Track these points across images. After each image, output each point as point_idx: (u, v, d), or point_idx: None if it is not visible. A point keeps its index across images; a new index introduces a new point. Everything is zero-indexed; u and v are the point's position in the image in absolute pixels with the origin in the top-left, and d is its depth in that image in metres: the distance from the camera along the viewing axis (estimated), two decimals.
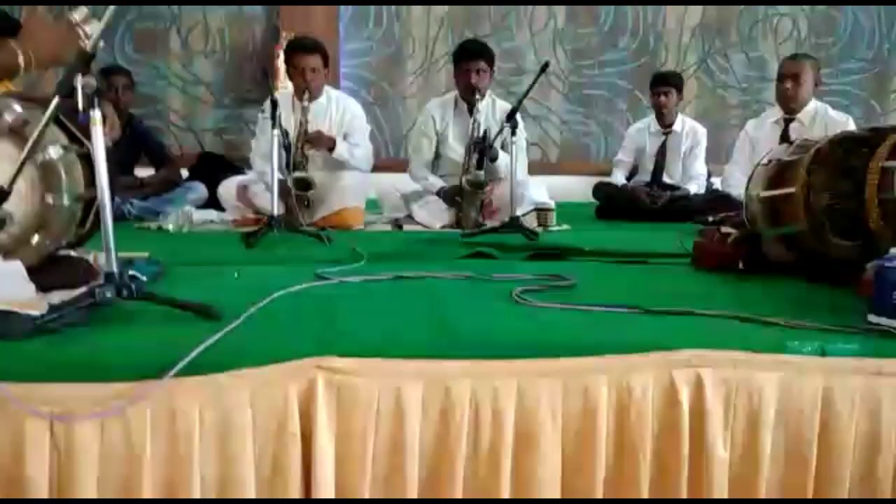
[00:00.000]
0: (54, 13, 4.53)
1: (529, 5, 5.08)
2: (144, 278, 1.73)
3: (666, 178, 4.22)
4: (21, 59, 1.49)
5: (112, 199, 1.48)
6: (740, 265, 2.10)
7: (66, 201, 1.59)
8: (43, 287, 1.62)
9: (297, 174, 3.27)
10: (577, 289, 1.93)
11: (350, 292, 1.84)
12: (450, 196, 3.49)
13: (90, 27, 1.45)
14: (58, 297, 1.59)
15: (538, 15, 5.14)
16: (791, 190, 1.98)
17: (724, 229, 2.28)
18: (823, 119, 3.42)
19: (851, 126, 3.36)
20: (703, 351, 1.38)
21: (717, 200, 3.61)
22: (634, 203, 3.99)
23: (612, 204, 4.11)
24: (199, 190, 3.88)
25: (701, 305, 1.64)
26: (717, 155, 4.87)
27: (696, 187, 4.10)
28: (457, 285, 1.96)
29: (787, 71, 3.43)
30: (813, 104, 3.46)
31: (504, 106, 3.56)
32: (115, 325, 1.43)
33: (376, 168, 3.81)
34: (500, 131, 3.23)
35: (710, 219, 2.45)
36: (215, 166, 4.34)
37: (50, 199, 1.58)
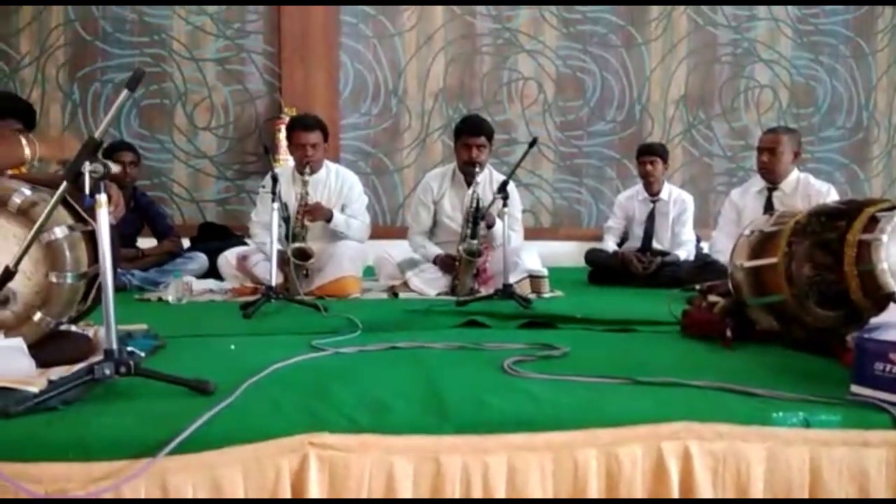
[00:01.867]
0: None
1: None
2: (143, 353, 1.76)
3: (656, 244, 4.30)
4: (27, 153, 1.57)
5: (114, 274, 1.53)
6: (728, 333, 2.13)
7: (69, 280, 1.64)
8: (43, 362, 1.65)
9: (297, 245, 3.34)
10: (569, 358, 1.96)
11: (344, 364, 1.86)
12: (446, 263, 3.56)
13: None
14: (57, 372, 1.62)
15: (528, 90, 5.34)
16: (773, 260, 2.04)
17: (711, 298, 2.33)
18: (805, 188, 3.52)
19: (833, 195, 3.46)
20: (691, 423, 1.41)
21: (705, 267, 3.67)
22: (626, 269, 4.06)
23: (604, 270, 4.17)
24: (200, 260, 3.94)
25: (689, 375, 1.67)
26: (705, 220, 4.98)
27: (685, 253, 4.18)
28: (450, 356, 1.99)
29: (763, 144, 3.54)
30: (795, 174, 3.56)
31: (500, 178, 3.67)
32: (112, 401, 1.45)
33: (373, 236, 3.89)
34: (493, 202, 3.33)
35: (698, 287, 2.49)
36: (216, 236, 4.42)
37: (53, 278, 1.63)
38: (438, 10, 5.21)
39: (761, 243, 2.18)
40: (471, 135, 3.55)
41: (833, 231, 2.01)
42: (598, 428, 1.38)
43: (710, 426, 1.41)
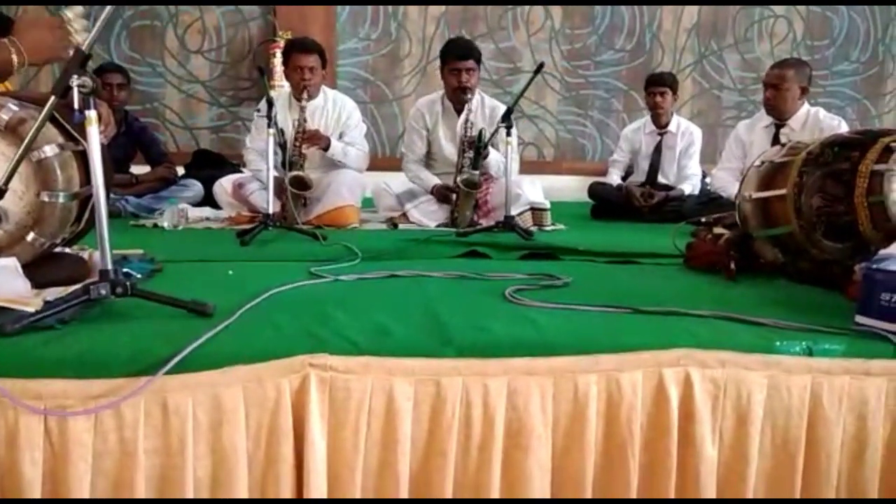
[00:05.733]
0: (50, 12, 4.54)
1: (526, 5, 5.08)
2: (139, 275, 1.74)
3: (661, 179, 4.23)
4: (14, 58, 1.49)
5: (107, 196, 1.49)
6: (732, 265, 2.11)
7: (61, 199, 1.60)
8: (38, 283, 1.62)
9: (295, 173, 3.28)
10: (570, 288, 1.94)
11: (344, 290, 1.85)
12: (443, 194, 3.50)
13: (80, 24, 1.45)
14: (53, 293, 1.60)
15: (534, 15, 5.15)
16: (782, 192, 2.00)
17: (717, 230, 2.30)
18: (815, 123, 3.43)
19: (843, 128, 3.37)
20: (693, 350, 1.40)
21: (709, 202, 3.62)
22: (629, 203, 4.01)
23: (607, 204, 4.12)
24: (195, 187, 3.88)
25: (691, 305, 1.66)
26: (712, 156, 4.90)
27: (690, 188, 4.12)
28: (450, 284, 1.97)
29: (768, 80, 3.43)
30: (805, 109, 3.45)
31: (493, 104, 3.57)
32: (109, 321, 1.44)
33: (372, 167, 3.82)
34: (496, 131, 3.24)
35: (703, 219, 2.46)
36: (211, 164, 4.35)
37: (45, 197, 1.59)
38: None
39: (771, 174, 2.13)
40: (458, 58, 3.41)
41: (846, 161, 1.96)
42: (599, 354, 1.38)
43: (711, 353, 1.40)
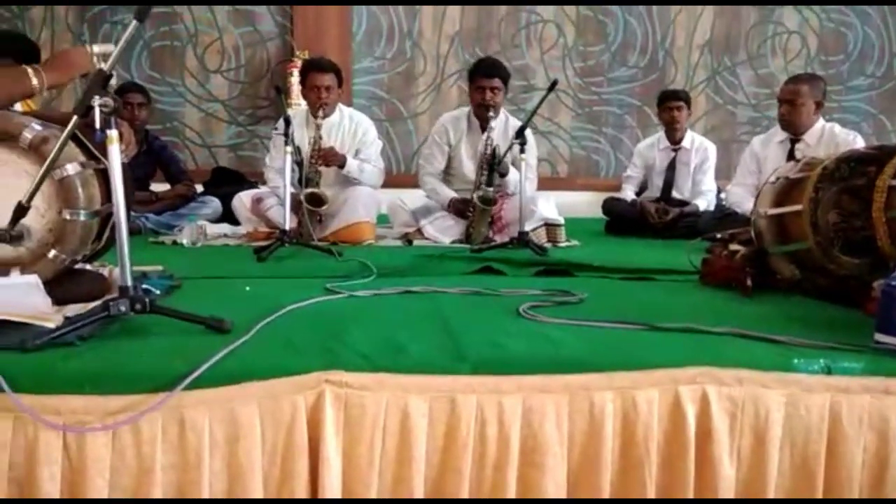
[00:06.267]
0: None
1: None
2: (158, 292, 1.77)
3: (675, 194, 4.22)
4: (34, 81, 1.53)
5: (128, 213, 1.52)
6: (748, 282, 2.10)
7: (82, 217, 1.63)
8: (59, 300, 1.65)
9: (310, 190, 3.31)
10: (585, 304, 1.94)
11: (359, 306, 1.86)
12: (459, 208, 3.52)
13: (103, 52, 1.49)
14: (73, 310, 1.63)
15: (547, 33, 5.19)
16: (798, 207, 1.99)
17: (732, 246, 2.29)
18: (830, 138, 3.41)
19: (859, 143, 3.35)
20: (709, 368, 1.39)
21: (724, 218, 3.61)
22: (643, 219, 4.00)
23: (622, 219, 4.11)
24: (214, 204, 3.93)
25: (708, 322, 1.65)
26: (727, 171, 4.87)
27: (705, 203, 4.10)
28: (465, 300, 1.98)
29: (782, 95, 3.42)
30: (819, 124, 3.44)
31: (517, 123, 3.59)
32: (128, 337, 1.45)
33: (387, 184, 3.85)
34: (510, 148, 3.26)
35: (718, 235, 2.44)
36: (229, 181, 4.40)
37: (67, 215, 1.62)
38: None
39: (786, 190, 2.12)
40: (485, 76, 3.45)
41: (862, 177, 1.94)
42: (615, 371, 1.37)
43: (729, 371, 1.39)
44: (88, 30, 4.81)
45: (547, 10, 5.14)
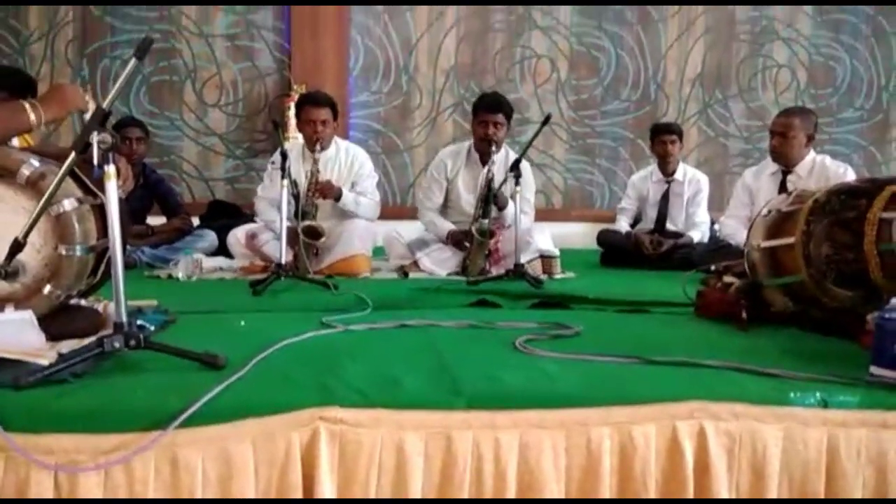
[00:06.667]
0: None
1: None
2: (152, 328, 1.76)
3: (670, 226, 4.25)
4: (32, 116, 1.55)
5: (123, 248, 1.52)
6: (743, 315, 2.10)
7: (78, 252, 1.63)
8: (53, 336, 1.64)
9: (307, 223, 3.32)
10: (581, 338, 1.94)
11: (355, 340, 1.85)
12: (458, 239, 3.53)
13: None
14: (67, 346, 1.62)
15: (541, 67, 5.27)
16: (790, 240, 2.00)
17: (726, 279, 2.30)
18: (821, 171, 3.44)
19: (850, 176, 3.39)
20: (706, 403, 1.39)
21: (719, 250, 3.62)
22: (638, 250, 4.02)
23: (617, 251, 4.13)
24: (209, 238, 3.93)
25: (703, 355, 1.65)
26: (720, 202, 4.91)
27: (699, 235, 4.13)
28: (460, 333, 1.97)
29: (774, 128, 3.46)
30: (811, 156, 3.47)
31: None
32: (122, 374, 1.45)
33: (383, 216, 3.87)
34: (505, 181, 3.29)
35: (713, 268, 2.46)
36: (225, 214, 4.41)
37: (63, 251, 1.62)
38: None
39: (778, 223, 2.14)
40: (488, 111, 3.50)
41: (853, 209, 1.96)
42: (611, 406, 1.36)
43: (725, 405, 1.39)
44: (88, 65, 4.87)
45: (540, 46, 5.24)
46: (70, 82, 4.83)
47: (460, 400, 1.34)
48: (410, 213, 4.16)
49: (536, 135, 3.10)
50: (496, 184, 3.33)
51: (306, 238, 3.26)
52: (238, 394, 1.32)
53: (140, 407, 1.26)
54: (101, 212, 1.71)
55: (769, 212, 2.19)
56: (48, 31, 4.83)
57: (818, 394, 1.41)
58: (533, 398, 1.35)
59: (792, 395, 1.42)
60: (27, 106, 1.62)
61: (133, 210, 3.64)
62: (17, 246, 1.45)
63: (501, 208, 3.49)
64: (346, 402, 1.30)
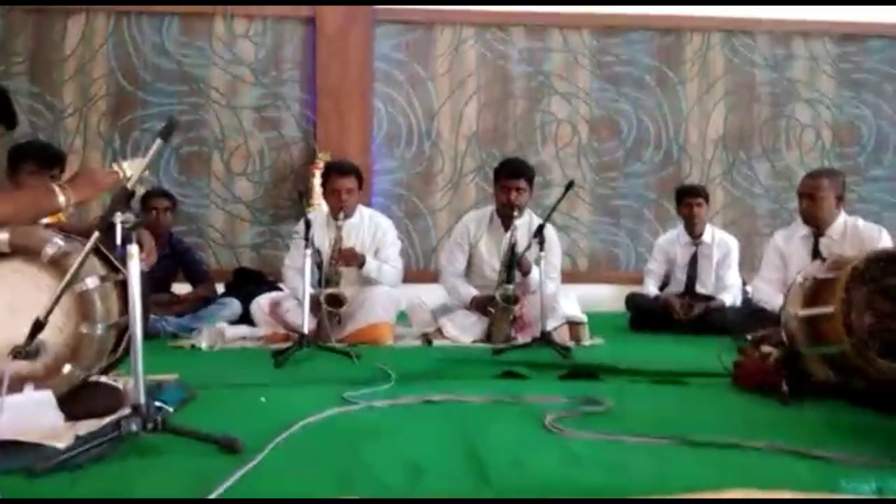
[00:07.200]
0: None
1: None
2: (171, 409, 1.72)
3: (700, 289, 4.15)
4: (61, 199, 1.57)
5: (145, 324, 1.51)
6: (783, 386, 2.01)
7: (99, 330, 1.62)
8: (72, 415, 1.62)
9: (330, 290, 3.31)
10: (613, 413, 1.85)
11: (376, 419, 1.79)
12: (482, 305, 3.48)
13: (135, 169, 1.53)
14: (85, 426, 1.59)
15: (563, 131, 5.31)
16: (830, 309, 1.92)
17: (764, 348, 2.21)
18: (854, 233, 3.34)
19: (886, 238, 3.29)
20: (752, 491, 1.29)
21: (752, 314, 3.51)
22: (668, 314, 3.92)
23: (646, 315, 4.04)
24: (233, 306, 3.93)
25: (744, 433, 1.56)
26: (751, 263, 4.81)
27: (730, 298, 4.02)
28: (487, 410, 1.90)
29: (802, 190, 3.38)
30: (842, 218, 3.39)
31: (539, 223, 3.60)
32: (139, 457, 1.41)
33: (407, 279, 3.85)
34: (529, 246, 3.26)
35: (749, 336, 2.37)
36: (250, 281, 4.43)
37: (84, 329, 1.61)
38: (471, 55, 5.26)
39: (816, 291, 2.06)
40: (510, 177, 3.50)
41: (894, 276, 1.89)
42: (649, 495, 1.28)
43: (772, 494, 1.29)
44: (119, 137, 5.03)
45: (561, 111, 5.30)
46: (101, 155, 5.00)
47: (488, 489, 1.26)
48: (433, 277, 4.12)
49: (559, 201, 3.08)
50: (520, 249, 3.30)
51: (328, 306, 3.24)
52: (255, 481, 1.27)
53: (155, 496, 1.21)
54: (124, 287, 1.71)
55: (805, 279, 2.12)
56: (82, 106, 5.01)
57: (873, 481, 1.31)
58: (564, 488, 1.27)
59: (844, 482, 1.32)
60: (57, 188, 1.64)
61: (158, 278, 3.67)
62: (38, 326, 1.44)
63: (525, 273, 3.45)
64: (366, 492, 1.24)
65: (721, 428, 1.62)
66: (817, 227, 3.38)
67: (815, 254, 3.29)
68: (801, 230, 3.46)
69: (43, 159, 2.75)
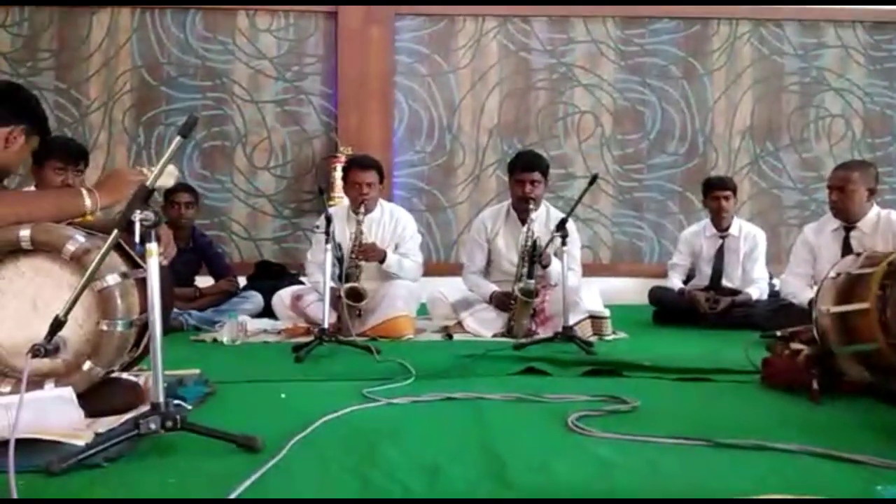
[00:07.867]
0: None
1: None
2: (189, 407, 1.72)
3: (725, 283, 4.06)
4: (88, 203, 1.57)
5: (165, 321, 1.50)
6: (815, 385, 1.94)
7: (119, 328, 1.61)
8: (92, 412, 1.62)
9: (350, 284, 3.30)
10: (639, 412, 1.81)
11: (397, 416, 1.77)
12: (502, 301, 3.45)
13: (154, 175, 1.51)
14: (105, 423, 1.59)
15: (585, 123, 5.24)
16: (864, 306, 1.86)
17: (794, 345, 2.14)
18: (887, 226, 3.23)
19: None
20: (782, 496, 1.24)
21: (780, 309, 3.43)
22: (693, 309, 3.85)
23: (670, 309, 3.96)
24: (255, 299, 3.95)
25: (775, 434, 1.52)
26: (778, 256, 4.72)
27: (757, 292, 3.93)
28: (508, 409, 1.87)
29: (832, 182, 3.27)
30: (874, 211, 3.28)
31: (557, 215, 3.54)
32: (158, 456, 1.41)
33: (427, 272, 3.84)
34: (551, 240, 3.21)
35: (778, 333, 2.30)
36: (272, 274, 4.44)
37: (104, 326, 1.61)
38: (493, 47, 5.21)
39: (849, 287, 1.99)
40: (524, 170, 3.46)
41: None
42: (676, 500, 1.24)
43: (804, 500, 1.24)
44: (144, 132, 5.07)
45: (584, 102, 5.23)
46: (126, 150, 5.04)
47: (509, 492, 1.23)
48: (454, 270, 4.10)
49: (583, 195, 3.02)
50: (539, 242, 3.26)
51: (349, 300, 3.23)
52: (274, 481, 1.25)
53: (174, 496, 1.20)
54: (145, 284, 1.70)
55: (838, 274, 2.05)
56: (107, 101, 5.06)
57: None
58: (588, 491, 1.24)
59: (880, 487, 1.26)
60: (84, 192, 1.65)
61: (181, 273, 3.69)
62: (58, 324, 1.44)
63: (545, 266, 3.40)
64: (385, 493, 1.21)
65: (751, 429, 1.57)
66: (848, 220, 3.28)
67: (846, 248, 3.20)
68: (832, 224, 3.36)
69: (68, 155, 2.77)
